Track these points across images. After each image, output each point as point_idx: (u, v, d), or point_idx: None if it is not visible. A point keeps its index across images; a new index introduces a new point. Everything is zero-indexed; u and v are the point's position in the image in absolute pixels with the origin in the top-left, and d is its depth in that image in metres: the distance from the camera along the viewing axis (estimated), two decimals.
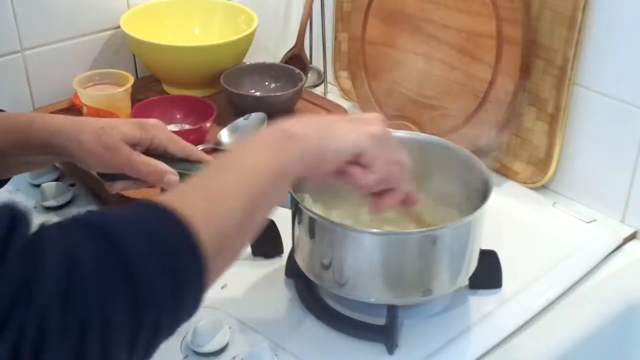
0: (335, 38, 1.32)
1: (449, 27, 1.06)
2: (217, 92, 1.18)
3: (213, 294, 0.84)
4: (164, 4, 1.25)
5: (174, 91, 1.20)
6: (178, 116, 1.11)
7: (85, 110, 1.08)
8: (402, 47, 1.13)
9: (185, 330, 0.79)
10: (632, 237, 1.01)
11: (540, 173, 1.06)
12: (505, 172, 1.10)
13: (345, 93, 1.32)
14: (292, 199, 0.80)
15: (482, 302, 0.86)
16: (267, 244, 0.91)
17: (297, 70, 1.17)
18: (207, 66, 1.16)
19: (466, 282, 0.85)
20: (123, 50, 1.21)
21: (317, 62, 1.32)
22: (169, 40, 1.18)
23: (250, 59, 1.23)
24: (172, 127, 1.08)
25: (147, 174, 0.76)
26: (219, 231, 0.55)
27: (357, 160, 0.68)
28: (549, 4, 0.98)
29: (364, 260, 0.78)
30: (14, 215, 0.47)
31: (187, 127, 1.09)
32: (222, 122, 1.08)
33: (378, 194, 0.73)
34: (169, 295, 0.50)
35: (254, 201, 0.59)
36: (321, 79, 1.31)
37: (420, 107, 1.13)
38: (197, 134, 1.04)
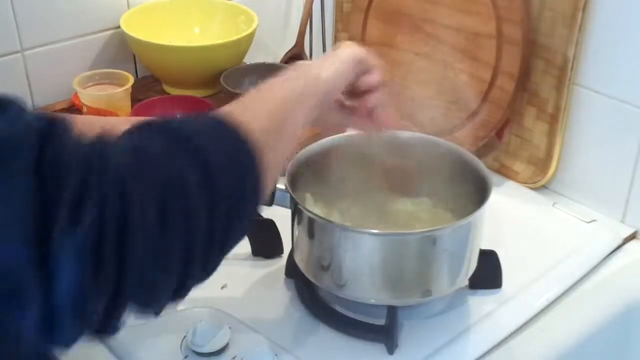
0: (335, 38, 1.32)
1: (449, 27, 1.06)
2: (217, 92, 1.18)
3: (213, 294, 0.85)
4: (164, 4, 1.25)
5: (174, 91, 1.20)
6: (178, 116, 1.11)
7: (85, 110, 1.08)
8: (402, 47, 1.13)
9: (185, 330, 0.79)
10: (632, 237, 1.00)
11: (540, 173, 1.06)
12: (505, 172, 1.10)
13: None
14: (292, 199, 0.80)
15: (482, 302, 0.86)
16: (267, 244, 0.91)
17: None
18: (207, 66, 1.16)
19: (466, 282, 0.85)
20: (123, 50, 1.21)
21: None
22: (169, 40, 1.18)
23: (250, 59, 1.23)
24: None
25: None
26: (269, 137, 0.60)
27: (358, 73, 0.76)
28: (549, 4, 0.98)
29: (363, 261, 0.78)
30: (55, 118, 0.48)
31: None
32: None
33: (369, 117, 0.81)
34: (233, 180, 0.54)
35: (287, 120, 0.65)
36: None
37: (420, 107, 1.13)
38: None
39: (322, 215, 0.81)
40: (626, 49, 0.94)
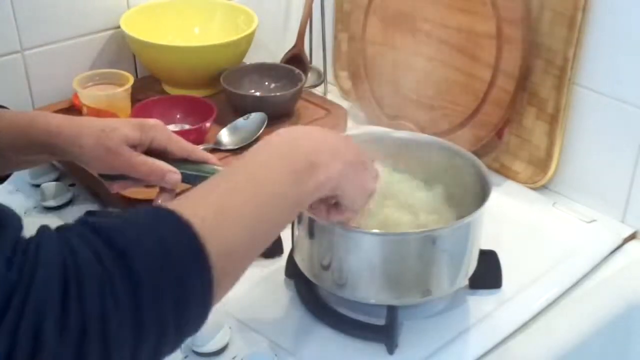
0: (335, 38, 1.32)
1: (448, 27, 1.06)
2: (217, 92, 1.18)
3: None
4: (164, 4, 1.25)
5: (174, 91, 1.20)
6: (178, 116, 1.11)
7: (85, 110, 1.08)
8: (402, 47, 1.13)
9: None
10: (632, 237, 1.00)
11: (540, 173, 1.06)
12: (505, 172, 1.10)
13: (345, 93, 1.31)
14: None
15: (481, 302, 0.86)
16: None
17: (297, 70, 1.17)
18: (207, 66, 1.16)
19: (466, 282, 0.85)
20: (123, 50, 1.21)
21: (317, 62, 1.31)
22: (169, 40, 1.18)
23: (250, 59, 1.23)
24: (172, 127, 1.08)
25: (148, 174, 0.76)
26: (227, 250, 0.55)
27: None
28: (549, 4, 0.98)
29: (363, 261, 0.78)
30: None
31: (187, 127, 1.09)
32: (222, 122, 1.08)
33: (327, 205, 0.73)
34: (174, 308, 0.49)
35: (265, 224, 0.60)
36: (321, 79, 1.31)
37: (420, 107, 1.13)
38: (197, 134, 1.04)
39: None
40: (626, 49, 0.94)
